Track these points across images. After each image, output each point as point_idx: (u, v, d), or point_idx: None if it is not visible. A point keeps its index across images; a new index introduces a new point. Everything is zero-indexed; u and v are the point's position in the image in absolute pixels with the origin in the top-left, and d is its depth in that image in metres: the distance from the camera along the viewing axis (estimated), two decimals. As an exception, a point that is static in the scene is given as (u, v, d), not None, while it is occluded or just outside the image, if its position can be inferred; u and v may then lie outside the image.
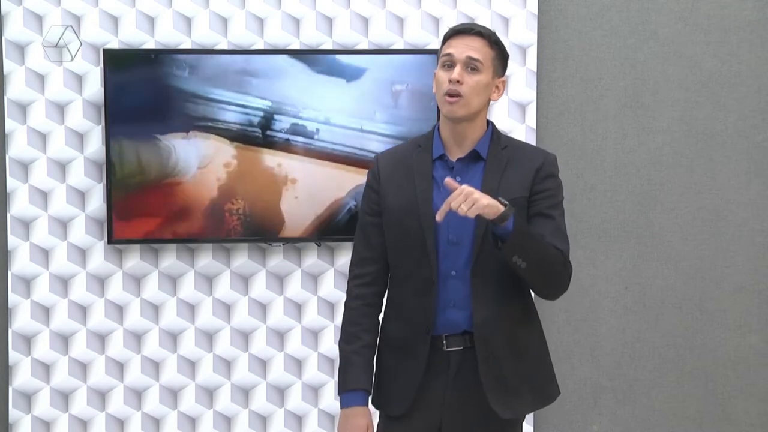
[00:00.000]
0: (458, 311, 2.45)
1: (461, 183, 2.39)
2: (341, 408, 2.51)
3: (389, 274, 2.56)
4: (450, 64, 2.42)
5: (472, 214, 2.26)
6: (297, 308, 3.66)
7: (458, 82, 2.39)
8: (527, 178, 2.45)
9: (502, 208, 2.29)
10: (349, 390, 2.48)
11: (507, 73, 3.61)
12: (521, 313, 2.52)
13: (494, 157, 2.46)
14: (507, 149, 2.49)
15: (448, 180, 2.33)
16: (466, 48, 2.40)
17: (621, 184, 3.74)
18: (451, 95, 2.40)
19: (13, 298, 3.58)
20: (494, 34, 2.46)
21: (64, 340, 3.60)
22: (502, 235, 2.32)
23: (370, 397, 2.53)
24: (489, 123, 2.52)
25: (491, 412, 2.45)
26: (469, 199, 2.25)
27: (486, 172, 2.45)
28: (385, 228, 2.52)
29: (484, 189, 2.40)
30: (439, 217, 2.30)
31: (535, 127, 3.67)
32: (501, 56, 2.48)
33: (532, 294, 2.54)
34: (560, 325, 3.76)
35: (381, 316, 2.58)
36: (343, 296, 2.69)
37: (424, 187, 2.45)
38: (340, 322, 2.60)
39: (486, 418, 2.46)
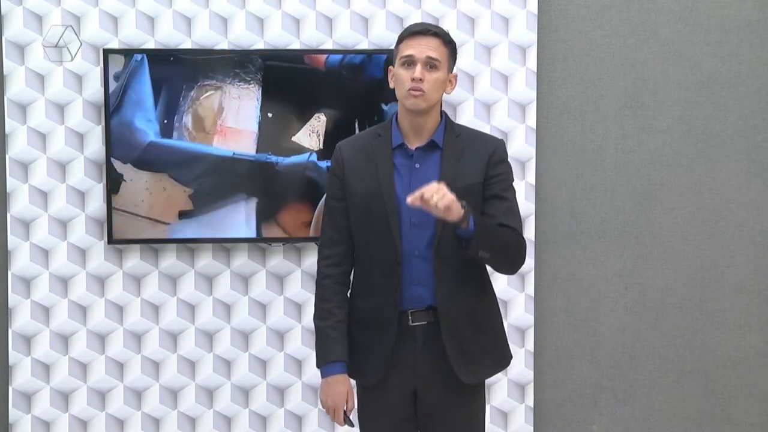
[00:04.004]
0: (422, 287, 2.66)
1: (420, 169, 2.64)
2: (322, 378, 2.71)
3: (355, 254, 2.75)
4: (411, 63, 2.60)
5: (442, 206, 2.41)
6: (297, 308, 3.66)
7: (420, 80, 2.58)
8: (482, 165, 2.67)
9: (462, 211, 2.46)
10: (329, 362, 2.69)
11: (507, 73, 3.65)
12: (479, 288, 2.74)
13: (450, 145, 2.67)
14: (460, 137, 2.70)
15: (410, 199, 2.45)
16: (425, 48, 2.59)
17: (621, 184, 3.74)
18: (414, 90, 2.59)
19: (13, 298, 3.58)
20: (447, 33, 2.65)
21: (64, 340, 3.60)
22: (465, 236, 2.53)
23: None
24: (442, 113, 2.71)
25: (456, 379, 2.68)
26: (441, 191, 2.42)
27: (443, 160, 2.66)
28: (350, 211, 2.70)
29: (443, 175, 2.61)
30: (410, 199, 2.45)
31: (535, 127, 3.67)
32: (453, 53, 2.68)
33: (488, 269, 2.76)
34: (560, 325, 3.76)
35: (349, 293, 2.77)
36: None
37: (386, 172, 2.65)
38: None
39: (453, 383, 2.68)
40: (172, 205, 3.52)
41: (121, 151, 3.49)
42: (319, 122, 3.53)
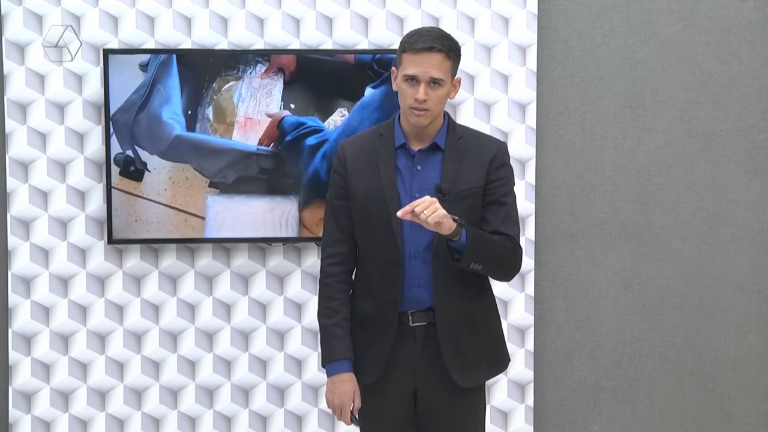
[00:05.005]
0: (422, 289, 2.66)
1: (421, 171, 2.64)
2: (328, 376, 2.71)
3: (357, 253, 2.76)
4: (414, 81, 2.58)
5: (432, 221, 2.42)
6: (297, 308, 3.66)
7: (425, 100, 2.57)
8: (482, 169, 2.66)
9: (454, 225, 2.48)
10: (335, 359, 2.69)
11: (507, 73, 3.65)
12: (478, 291, 2.73)
13: (452, 147, 2.67)
14: (462, 139, 2.69)
15: (401, 213, 2.47)
16: (428, 68, 2.56)
17: (621, 184, 3.75)
18: (417, 111, 2.58)
19: (13, 298, 3.58)
20: (451, 46, 2.60)
21: (64, 340, 3.60)
22: (458, 248, 2.54)
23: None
24: (445, 115, 2.71)
25: (454, 381, 2.68)
26: (432, 207, 2.43)
27: (445, 162, 2.66)
28: (352, 211, 2.71)
29: (443, 178, 2.62)
30: (400, 213, 2.45)
31: (535, 127, 3.67)
32: (457, 60, 2.64)
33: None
34: (560, 325, 3.76)
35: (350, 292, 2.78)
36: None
37: (388, 173, 2.65)
38: None
39: (452, 384, 2.68)
40: (194, 195, 3.53)
41: (147, 142, 3.50)
42: (342, 117, 3.53)
